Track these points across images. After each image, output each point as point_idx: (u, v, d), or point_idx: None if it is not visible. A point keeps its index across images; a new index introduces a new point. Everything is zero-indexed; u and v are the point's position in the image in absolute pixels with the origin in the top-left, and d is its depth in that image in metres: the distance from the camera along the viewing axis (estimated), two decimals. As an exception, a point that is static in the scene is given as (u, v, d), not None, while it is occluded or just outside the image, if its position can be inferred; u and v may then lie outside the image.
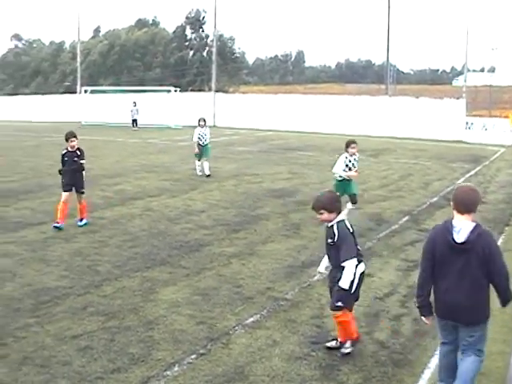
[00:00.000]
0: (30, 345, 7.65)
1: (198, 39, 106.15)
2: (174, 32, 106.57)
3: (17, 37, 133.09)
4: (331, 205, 7.46)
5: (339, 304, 7.36)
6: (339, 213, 7.56)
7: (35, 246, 12.26)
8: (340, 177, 14.74)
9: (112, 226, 14.36)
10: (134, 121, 51.39)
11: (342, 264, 7.31)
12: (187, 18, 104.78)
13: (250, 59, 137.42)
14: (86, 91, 62.84)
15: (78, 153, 14.27)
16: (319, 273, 8.18)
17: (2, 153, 28.63)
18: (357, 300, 7.72)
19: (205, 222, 14.85)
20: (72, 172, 14.19)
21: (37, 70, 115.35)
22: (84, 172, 14.47)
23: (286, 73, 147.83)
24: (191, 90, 71.72)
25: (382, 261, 11.84)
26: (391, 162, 28.65)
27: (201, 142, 22.77)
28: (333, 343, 7.71)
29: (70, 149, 14.23)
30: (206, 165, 22.62)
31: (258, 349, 7.69)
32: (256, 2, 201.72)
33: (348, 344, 7.60)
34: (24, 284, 10.04)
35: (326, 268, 7.85)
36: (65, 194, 14.12)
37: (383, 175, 23.71)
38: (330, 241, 7.48)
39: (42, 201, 17.15)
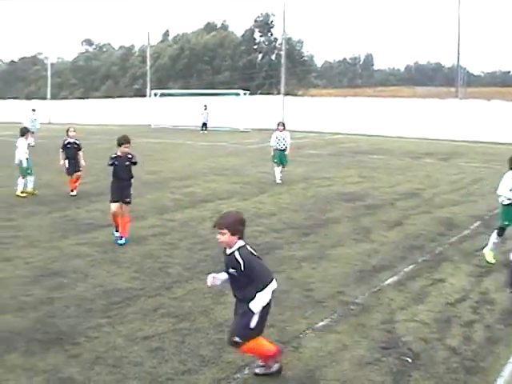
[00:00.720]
0: (102, 345, 7.73)
1: (266, 42, 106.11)
2: (243, 35, 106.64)
3: (88, 42, 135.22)
4: (235, 226, 6.71)
5: (236, 340, 6.75)
6: (240, 238, 6.78)
7: (106, 248, 12.42)
8: (509, 199, 11.71)
9: (182, 228, 14.46)
10: (204, 124, 51.78)
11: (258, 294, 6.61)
12: (256, 21, 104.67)
13: (319, 62, 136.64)
14: (155, 94, 63.48)
15: (130, 156, 13.22)
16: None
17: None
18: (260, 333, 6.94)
19: (275, 225, 14.83)
20: (121, 180, 13.24)
21: (107, 73, 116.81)
22: (132, 180, 13.59)
23: (355, 76, 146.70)
24: (260, 94, 71.74)
25: (453, 266, 11.63)
26: (462, 165, 28.17)
27: (279, 147, 22.13)
28: (262, 370, 7.09)
29: (119, 153, 13.15)
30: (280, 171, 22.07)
31: (328, 353, 7.61)
32: (324, 5, 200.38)
33: (272, 363, 7.04)
34: (96, 285, 10.17)
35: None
36: (114, 206, 13.21)
37: (454, 179, 23.31)
38: (232, 271, 6.75)
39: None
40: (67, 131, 19.46)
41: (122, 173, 13.19)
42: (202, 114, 52.27)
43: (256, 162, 28.21)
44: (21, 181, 19.00)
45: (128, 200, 13.27)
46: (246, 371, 7.11)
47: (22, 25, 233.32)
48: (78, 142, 19.31)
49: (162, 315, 8.79)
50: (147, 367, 7.14)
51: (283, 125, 22.51)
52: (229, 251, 6.76)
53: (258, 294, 6.58)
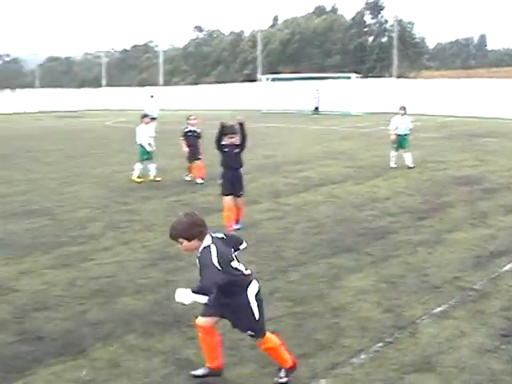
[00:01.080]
0: (219, 327, 7.83)
1: (377, 25, 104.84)
2: (353, 18, 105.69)
3: (198, 28, 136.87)
4: (188, 232, 6.25)
5: (250, 333, 6.51)
6: (203, 237, 6.28)
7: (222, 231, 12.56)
8: None
9: (297, 212, 14.52)
10: (316, 108, 51.73)
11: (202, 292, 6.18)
12: (366, 3, 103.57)
13: (431, 44, 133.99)
14: (266, 79, 63.73)
15: (238, 143, 12.71)
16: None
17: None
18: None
19: (390, 209, 14.70)
20: (234, 170, 12.91)
21: (217, 59, 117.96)
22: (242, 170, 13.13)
23: (468, 57, 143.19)
24: (371, 77, 71.00)
25: None
26: None
27: (400, 132, 21.61)
28: (199, 371, 6.71)
29: (227, 141, 12.61)
30: (408, 156, 21.47)
31: (445, 339, 7.49)
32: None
33: (282, 373, 6.62)
34: (211, 268, 10.32)
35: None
36: (227, 199, 12.80)
37: None
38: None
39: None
40: (188, 119, 19.57)
41: (233, 162, 12.88)
42: (314, 97, 52.20)
43: (369, 145, 28.02)
44: (138, 166, 19.37)
45: (242, 193, 13.02)
46: (363, 356, 7.08)
47: (133, 14, 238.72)
48: (198, 130, 19.38)
49: (278, 299, 8.84)
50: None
51: (404, 108, 22.03)
52: (198, 254, 6.30)
53: (197, 296, 6.17)
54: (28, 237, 12.73)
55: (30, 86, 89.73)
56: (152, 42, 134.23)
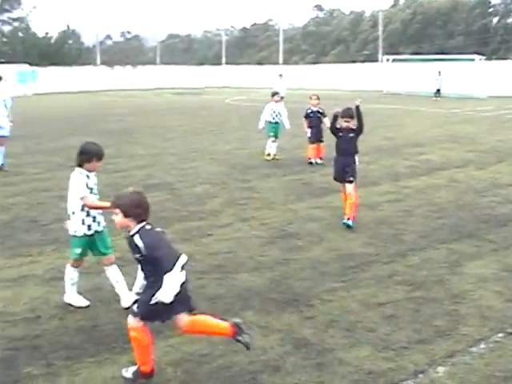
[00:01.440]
0: (337, 308, 7.80)
1: (502, 5, 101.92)
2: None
3: (318, 7, 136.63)
4: (129, 208, 5.96)
5: (135, 309, 6.04)
6: (140, 222, 6.00)
7: (340, 212, 12.34)
8: None
9: (417, 195, 14.25)
10: (438, 90, 50.82)
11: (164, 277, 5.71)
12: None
13: None
14: (387, 60, 62.99)
15: (353, 127, 11.75)
16: (136, 294, 6.26)
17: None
18: (191, 311, 6.14)
19: (513, 196, 14.26)
20: (347, 157, 11.85)
21: (337, 39, 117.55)
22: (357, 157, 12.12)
23: None
24: (495, 59, 69.05)
25: None
26: None
27: None
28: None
29: (342, 125, 11.83)
30: None
31: None
32: None
33: (131, 370, 6.21)
34: (330, 249, 10.28)
35: (141, 287, 6.20)
36: (348, 187, 11.75)
37: None
38: (137, 256, 5.94)
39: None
40: (310, 98, 19.08)
41: (348, 147, 11.83)
42: (436, 79, 51.29)
43: (492, 130, 27.27)
44: (269, 144, 19.33)
45: (351, 179, 11.75)
46: (482, 345, 6.88)
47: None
48: (321, 110, 18.73)
49: (397, 282, 8.71)
50: (380, 333, 7.11)
51: None
52: (130, 233, 6.01)
53: (164, 284, 5.71)
54: (149, 210, 12.97)
55: (151, 62, 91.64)
56: (271, 20, 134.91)
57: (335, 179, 12.16)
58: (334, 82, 66.58)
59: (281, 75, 39.48)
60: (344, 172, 11.75)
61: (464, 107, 41.06)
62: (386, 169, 17.54)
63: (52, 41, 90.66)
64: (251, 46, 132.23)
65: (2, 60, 70.61)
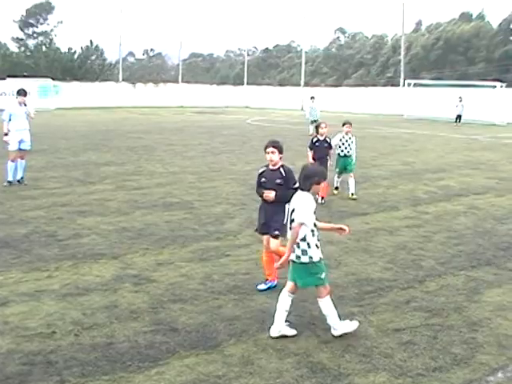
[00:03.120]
0: (353, 333, 7.75)
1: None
2: (500, 25, 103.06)
3: (340, 30, 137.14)
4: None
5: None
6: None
7: (359, 236, 12.44)
8: None
9: (436, 221, 14.18)
10: (459, 116, 50.78)
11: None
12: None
13: None
14: (409, 84, 63.00)
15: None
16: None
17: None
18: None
19: (533, 224, 14.14)
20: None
21: (359, 62, 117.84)
22: None
23: None
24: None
25: None
26: None
27: None
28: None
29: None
30: None
31: None
32: None
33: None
34: (348, 272, 10.25)
35: None
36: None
37: None
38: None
39: (366, 191, 17.51)
40: (317, 127, 17.02)
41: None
42: (456, 106, 51.24)
43: (512, 157, 27.20)
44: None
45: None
46: (500, 374, 6.81)
47: (276, 14, 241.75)
48: (328, 139, 16.61)
49: (414, 309, 8.66)
50: (397, 360, 7.06)
51: None
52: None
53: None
54: (167, 229, 13.00)
55: (173, 80, 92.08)
56: (294, 42, 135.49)
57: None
58: (355, 105, 66.59)
59: (313, 97, 39.33)
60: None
61: (484, 134, 40.96)
62: (405, 193, 17.48)
63: (75, 56, 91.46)
64: (273, 66, 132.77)
65: (25, 74, 71.27)
